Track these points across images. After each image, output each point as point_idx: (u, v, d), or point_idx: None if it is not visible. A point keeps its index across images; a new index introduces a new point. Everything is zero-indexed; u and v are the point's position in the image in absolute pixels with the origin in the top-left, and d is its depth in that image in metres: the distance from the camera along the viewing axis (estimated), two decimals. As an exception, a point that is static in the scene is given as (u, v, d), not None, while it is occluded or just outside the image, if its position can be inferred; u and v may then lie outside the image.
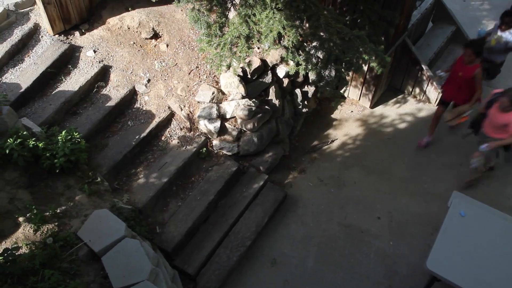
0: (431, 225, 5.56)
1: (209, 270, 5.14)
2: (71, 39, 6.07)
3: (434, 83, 6.89)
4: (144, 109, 5.81)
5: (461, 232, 4.66)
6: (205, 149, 5.81)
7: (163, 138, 5.79)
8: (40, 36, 6.04)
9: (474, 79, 5.60)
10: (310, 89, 6.65)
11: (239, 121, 5.82)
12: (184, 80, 5.96)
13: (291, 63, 5.22)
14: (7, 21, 5.85)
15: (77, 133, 4.89)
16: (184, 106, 5.84)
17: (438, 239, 4.61)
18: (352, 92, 7.25)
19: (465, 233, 4.65)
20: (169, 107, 5.85)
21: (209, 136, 5.88)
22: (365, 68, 6.60)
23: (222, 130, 5.85)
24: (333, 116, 7.16)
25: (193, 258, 5.17)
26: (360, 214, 5.81)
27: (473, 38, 6.67)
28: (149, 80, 5.94)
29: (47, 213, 4.23)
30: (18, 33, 5.87)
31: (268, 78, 6.00)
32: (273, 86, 6.08)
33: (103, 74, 5.92)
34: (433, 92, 7.05)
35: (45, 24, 6.02)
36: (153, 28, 6.30)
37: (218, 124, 5.76)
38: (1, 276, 3.52)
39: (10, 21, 5.88)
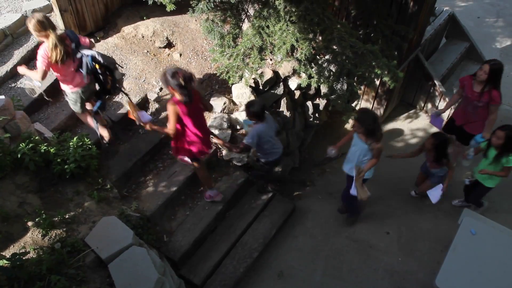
0: (440, 242, 5.49)
1: (215, 281, 5.10)
2: (86, 47, 6.14)
3: (447, 99, 6.85)
4: (156, 117, 5.83)
5: (472, 250, 4.59)
6: (214, 159, 5.81)
7: (173, 147, 5.80)
8: (55, 43, 6.11)
9: None
10: (322, 102, 6.65)
11: (249, 132, 5.82)
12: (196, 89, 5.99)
13: (303, 75, 5.23)
14: (24, 28, 5.94)
15: (88, 140, 4.91)
16: (195, 116, 5.86)
17: (448, 256, 4.54)
18: (363, 106, 7.23)
19: (476, 252, 4.58)
20: (180, 116, 5.88)
21: (219, 146, 5.88)
22: (377, 82, 6.59)
23: (233, 141, 5.85)
24: (343, 129, 7.14)
25: (199, 268, 5.15)
26: (369, 229, 5.76)
27: None
28: (161, 89, 5.97)
29: (56, 218, 4.24)
30: (34, 40, 5.95)
31: (280, 90, 6.01)
32: (284, 98, 6.09)
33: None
34: (446, 108, 7.00)
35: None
36: (167, 38, 6.35)
37: (228, 134, 5.77)
38: (8, 281, 3.52)
39: (26, 29, 5.97)
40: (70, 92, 4.87)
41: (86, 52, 4.66)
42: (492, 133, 5.00)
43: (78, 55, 4.63)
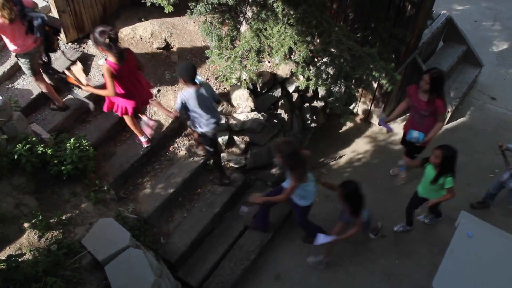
0: (437, 244, 5.49)
1: (212, 283, 5.09)
2: (83, 48, 6.13)
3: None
4: (153, 118, 5.83)
5: (468, 253, 4.59)
6: (212, 161, 5.80)
7: (171, 149, 5.80)
8: (54, 44, 6.10)
9: None
10: (319, 105, 6.66)
11: (247, 134, 5.82)
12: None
13: (301, 78, 5.24)
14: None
15: (85, 141, 4.91)
16: (193, 117, 5.85)
17: (444, 259, 4.55)
18: (361, 108, 7.24)
19: (472, 254, 4.58)
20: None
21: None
22: (375, 85, 6.60)
23: (230, 143, 5.86)
24: (341, 132, 7.15)
25: (196, 270, 5.14)
26: (366, 232, 5.76)
27: None
28: (159, 90, 5.97)
29: (53, 220, 4.23)
30: (31, 40, 5.94)
31: (278, 92, 6.02)
32: (282, 100, 6.09)
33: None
34: (443, 111, 7.02)
35: (59, 32, 6.09)
36: (165, 39, 6.35)
37: (226, 136, 5.77)
38: (4, 283, 3.51)
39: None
40: (22, 55, 4.96)
41: (35, 14, 4.79)
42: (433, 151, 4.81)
43: (27, 18, 4.75)
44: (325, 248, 5.15)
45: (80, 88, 5.03)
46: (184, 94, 4.79)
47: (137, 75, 5.00)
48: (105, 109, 5.17)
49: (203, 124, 5.01)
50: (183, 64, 4.80)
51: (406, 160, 5.97)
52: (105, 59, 4.67)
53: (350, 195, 4.60)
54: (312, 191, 4.85)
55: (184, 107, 4.88)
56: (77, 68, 4.91)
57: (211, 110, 5.02)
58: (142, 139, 5.52)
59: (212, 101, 5.02)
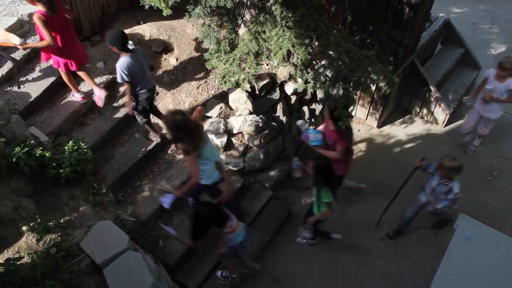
0: (436, 247, 5.50)
1: (211, 285, 5.09)
2: (82, 50, 6.13)
3: (442, 104, 6.88)
4: (152, 121, 5.82)
5: (467, 255, 4.60)
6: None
7: (169, 151, 5.79)
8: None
9: None
10: (318, 107, 6.66)
11: (246, 136, 5.82)
12: (192, 94, 5.99)
13: (300, 80, 5.24)
14: (21, 31, 5.91)
15: (84, 144, 4.91)
16: (191, 120, 5.85)
17: (443, 261, 4.56)
18: (359, 111, 7.25)
19: (471, 256, 4.59)
20: (176, 121, 5.87)
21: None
22: (373, 87, 6.61)
23: (229, 145, 5.86)
24: (339, 134, 7.14)
25: (195, 273, 5.13)
26: (364, 234, 5.76)
27: None
28: (157, 93, 5.96)
29: (51, 223, 4.22)
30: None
31: (276, 95, 6.02)
32: (280, 103, 6.10)
33: (112, 86, 5.95)
34: (441, 114, 7.04)
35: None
36: (163, 42, 6.35)
37: (224, 139, 5.76)
38: (2, 286, 3.50)
39: (23, 31, 5.94)
40: None
41: None
42: None
43: None
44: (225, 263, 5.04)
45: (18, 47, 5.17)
46: (122, 62, 4.80)
47: (70, 29, 5.09)
48: (43, 59, 5.31)
49: (142, 88, 5.06)
50: (111, 32, 4.74)
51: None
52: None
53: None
54: (209, 169, 4.57)
55: (125, 75, 4.85)
56: (1, 32, 5.04)
57: (148, 75, 5.10)
58: (78, 95, 5.62)
59: (147, 66, 5.08)
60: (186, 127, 4.17)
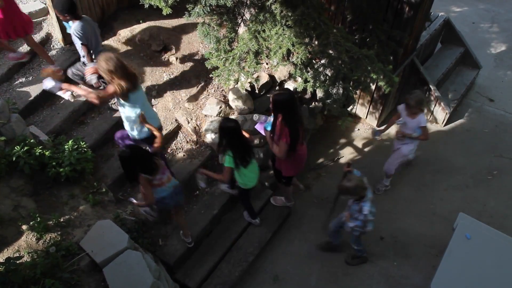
0: (436, 246, 5.50)
1: (211, 284, 5.09)
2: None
3: (442, 103, 6.88)
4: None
5: (467, 255, 4.60)
6: (210, 162, 5.80)
7: (169, 151, 5.79)
8: (51, 46, 6.11)
9: None
10: (317, 106, 6.66)
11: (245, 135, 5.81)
12: (192, 93, 5.99)
13: (299, 79, 5.23)
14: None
15: (83, 143, 4.91)
16: (191, 119, 5.86)
17: (443, 261, 4.55)
18: (359, 110, 7.25)
19: (471, 256, 4.59)
20: (176, 120, 5.87)
21: (215, 150, 5.88)
22: (373, 87, 6.61)
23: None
24: (339, 133, 7.15)
25: (195, 272, 5.13)
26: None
27: None
28: (157, 92, 5.96)
29: (51, 222, 4.22)
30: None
31: (276, 94, 6.02)
32: (280, 102, 6.09)
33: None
34: (441, 113, 7.03)
35: (57, 34, 6.10)
36: (163, 41, 6.35)
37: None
38: (2, 285, 3.50)
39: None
40: None
41: None
42: None
43: None
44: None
45: None
46: (75, 26, 4.96)
47: (14, 7, 5.21)
48: None
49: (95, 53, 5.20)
50: (57, 1, 4.87)
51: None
52: None
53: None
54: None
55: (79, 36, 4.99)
56: None
57: (100, 42, 5.35)
58: (15, 54, 5.68)
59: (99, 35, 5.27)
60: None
